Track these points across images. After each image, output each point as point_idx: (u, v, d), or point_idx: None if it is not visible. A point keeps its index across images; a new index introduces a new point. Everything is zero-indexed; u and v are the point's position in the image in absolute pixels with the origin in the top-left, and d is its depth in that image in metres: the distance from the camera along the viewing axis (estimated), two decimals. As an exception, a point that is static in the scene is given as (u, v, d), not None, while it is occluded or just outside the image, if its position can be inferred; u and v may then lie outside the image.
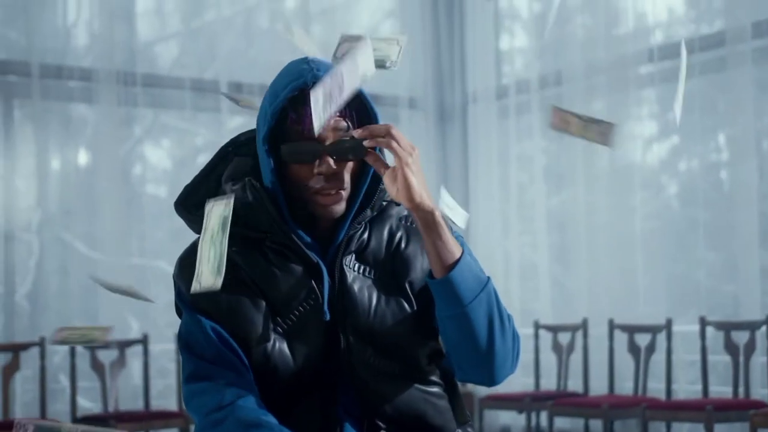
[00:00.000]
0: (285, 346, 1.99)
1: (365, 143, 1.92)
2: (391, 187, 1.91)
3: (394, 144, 1.89)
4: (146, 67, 6.77)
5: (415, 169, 1.90)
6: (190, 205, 2.07)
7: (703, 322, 5.66)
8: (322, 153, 1.94)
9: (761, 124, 6.15)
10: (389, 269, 2.04)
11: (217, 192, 2.05)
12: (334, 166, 1.94)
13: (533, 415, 6.17)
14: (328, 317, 1.98)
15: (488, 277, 1.98)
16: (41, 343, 5.67)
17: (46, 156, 6.39)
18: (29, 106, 6.32)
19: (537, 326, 6.46)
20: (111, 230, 6.36)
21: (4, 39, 6.69)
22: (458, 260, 1.93)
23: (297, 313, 1.99)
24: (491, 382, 2.02)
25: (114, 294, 6.69)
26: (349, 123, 1.98)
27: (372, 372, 2.01)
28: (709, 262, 6.47)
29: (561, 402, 5.81)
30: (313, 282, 1.99)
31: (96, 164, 6.55)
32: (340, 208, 1.98)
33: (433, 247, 1.93)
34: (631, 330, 5.94)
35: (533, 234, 7.14)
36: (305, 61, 1.98)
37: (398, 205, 2.10)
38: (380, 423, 2.02)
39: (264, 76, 6.87)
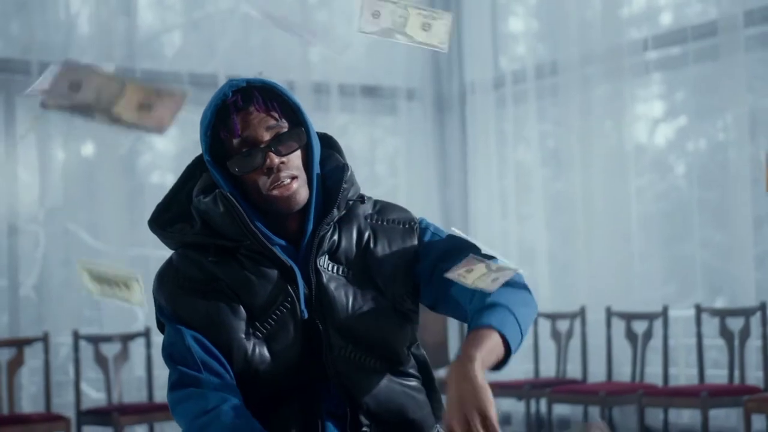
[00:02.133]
0: (265, 350, 2.06)
1: None
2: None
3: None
4: (146, 61, 6.82)
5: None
6: (163, 223, 2.14)
7: (699, 309, 5.72)
8: (265, 152, 2.02)
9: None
10: (361, 266, 2.12)
11: (188, 207, 2.13)
12: (277, 160, 2.02)
13: (533, 402, 6.24)
14: (306, 315, 2.06)
15: (516, 320, 1.95)
16: (45, 339, 5.75)
17: (49, 148, 6.46)
18: (31, 102, 6.39)
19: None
20: (115, 220, 6.44)
21: (4, 34, 6.75)
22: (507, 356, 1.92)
23: (275, 316, 2.06)
24: None
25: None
26: (276, 115, 2.05)
27: (353, 367, 2.09)
28: (715, 244, 6.50)
29: (559, 389, 5.87)
30: (288, 284, 2.06)
31: (99, 155, 6.61)
32: (301, 196, 2.06)
33: None
34: (629, 317, 6.00)
35: (533, 219, 7.17)
36: (226, 83, 2.08)
37: (363, 203, 2.17)
38: (363, 419, 2.09)
39: (262, 69, 6.92)
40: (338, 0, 7.58)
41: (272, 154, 2.02)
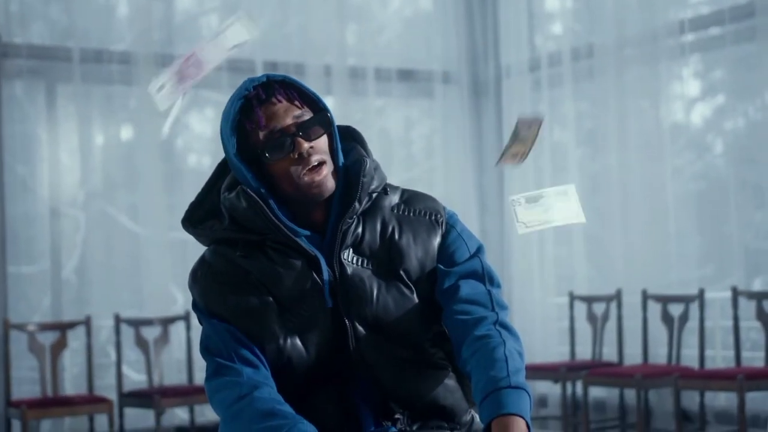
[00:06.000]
0: (297, 340, 2.12)
1: None
2: None
3: None
4: (184, 45, 6.86)
5: None
6: (196, 220, 2.20)
7: (735, 292, 5.71)
8: (294, 138, 2.08)
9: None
10: (385, 258, 2.16)
11: (218, 205, 2.18)
12: (306, 146, 2.08)
13: (569, 385, 6.26)
14: (330, 304, 2.11)
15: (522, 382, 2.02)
16: (87, 322, 5.85)
17: (89, 132, 6.54)
18: (71, 88, 6.47)
19: (572, 297, 6.53)
20: (153, 204, 6.51)
21: (45, 18, 6.82)
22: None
23: (305, 306, 2.12)
24: None
25: (158, 267, 6.83)
26: (298, 104, 2.11)
27: (382, 358, 2.13)
28: (753, 224, 6.46)
29: (595, 372, 5.89)
30: (314, 274, 2.12)
31: (137, 138, 6.68)
32: (330, 182, 2.11)
33: None
34: (665, 300, 6.00)
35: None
36: (245, 81, 2.13)
37: (387, 194, 2.20)
38: (395, 407, 2.14)
39: (299, 54, 6.95)
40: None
41: (301, 140, 2.08)
